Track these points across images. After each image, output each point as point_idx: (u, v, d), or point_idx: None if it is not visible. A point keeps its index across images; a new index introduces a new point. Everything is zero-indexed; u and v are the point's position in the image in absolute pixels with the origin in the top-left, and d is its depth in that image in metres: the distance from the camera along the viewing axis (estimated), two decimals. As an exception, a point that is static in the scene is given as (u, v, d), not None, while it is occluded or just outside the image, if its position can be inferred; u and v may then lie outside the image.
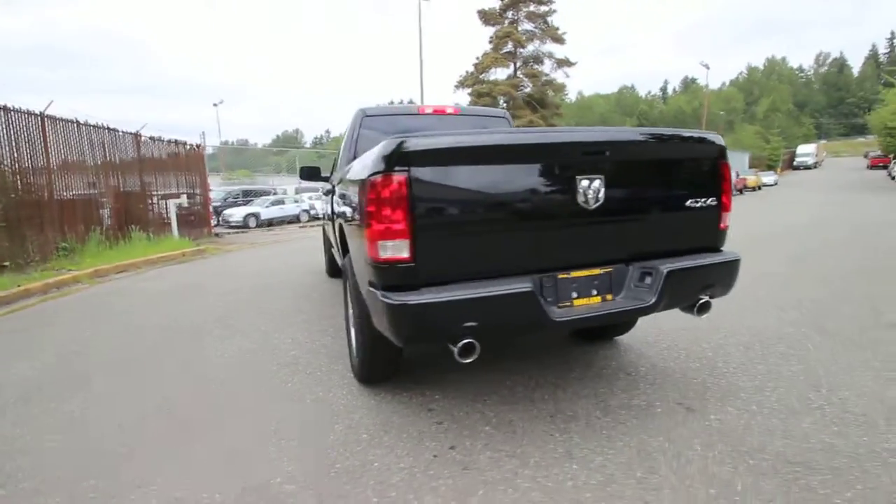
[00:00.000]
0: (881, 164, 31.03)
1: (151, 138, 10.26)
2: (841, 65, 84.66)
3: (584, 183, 1.74)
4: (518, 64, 20.62)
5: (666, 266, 1.84)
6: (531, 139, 1.77)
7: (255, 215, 18.69)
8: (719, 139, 2.03)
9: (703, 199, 1.98)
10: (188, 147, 11.75)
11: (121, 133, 9.20)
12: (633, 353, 2.78)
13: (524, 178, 1.73)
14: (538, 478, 1.66)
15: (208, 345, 3.28)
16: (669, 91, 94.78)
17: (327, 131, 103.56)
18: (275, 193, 22.54)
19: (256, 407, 2.30)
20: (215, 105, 35.53)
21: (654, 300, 1.81)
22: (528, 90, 20.62)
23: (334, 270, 5.42)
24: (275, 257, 7.93)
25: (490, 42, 21.12)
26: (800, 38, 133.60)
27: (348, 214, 2.14)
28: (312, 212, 21.36)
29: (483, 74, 20.73)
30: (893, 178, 20.37)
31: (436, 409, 2.21)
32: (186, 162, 11.63)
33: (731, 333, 3.00)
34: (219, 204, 18.77)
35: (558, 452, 1.81)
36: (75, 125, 8.03)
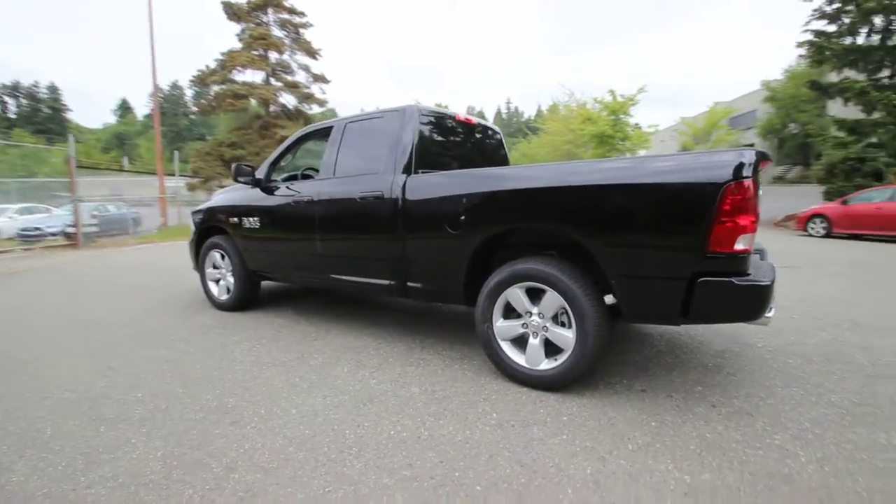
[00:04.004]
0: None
1: None
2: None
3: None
4: (269, 71, 19.12)
5: None
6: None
7: None
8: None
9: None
10: None
11: None
12: (699, 332, 3.61)
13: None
14: (830, 417, 2.15)
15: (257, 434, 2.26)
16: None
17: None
18: None
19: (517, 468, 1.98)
20: None
21: None
22: (289, 100, 19.41)
23: (245, 300, 4.25)
24: (59, 297, 5.07)
25: (240, 40, 18.71)
26: (461, 92, 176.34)
27: (629, 216, 2.13)
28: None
29: (231, 73, 18.12)
30: None
31: (647, 389, 2.49)
32: None
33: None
34: None
35: (797, 398, 2.38)
36: None
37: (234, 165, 3.73)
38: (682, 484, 1.69)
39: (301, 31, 19.55)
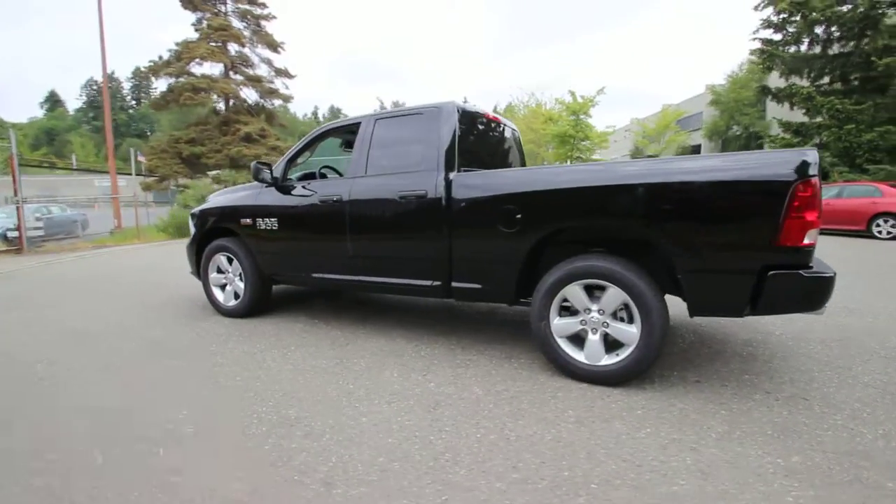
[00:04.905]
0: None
1: None
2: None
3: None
4: (228, 64, 18.09)
5: None
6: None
7: None
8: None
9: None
10: None
11: None
12: (719, 324, 3.81)
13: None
14: (873, 396, 2.42)
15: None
16: (320, 116, 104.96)
17: None
18: None
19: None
20: None
21: None
22: (250, 94, 18.42)
23: (257, 306, 4.06)
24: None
25: (196, 30, 17.54)
26: (417, 90, 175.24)
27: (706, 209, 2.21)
28: None
29: (189, 65, 16.94)
30: None
31: (700, 380, 2.60)
32: None
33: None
34: None
35: (836, 382, 2.58)
36: None
37: (252, 164, 3.53)
38: (778, 467, 1.77)
39: (263, 22, 18.73)
